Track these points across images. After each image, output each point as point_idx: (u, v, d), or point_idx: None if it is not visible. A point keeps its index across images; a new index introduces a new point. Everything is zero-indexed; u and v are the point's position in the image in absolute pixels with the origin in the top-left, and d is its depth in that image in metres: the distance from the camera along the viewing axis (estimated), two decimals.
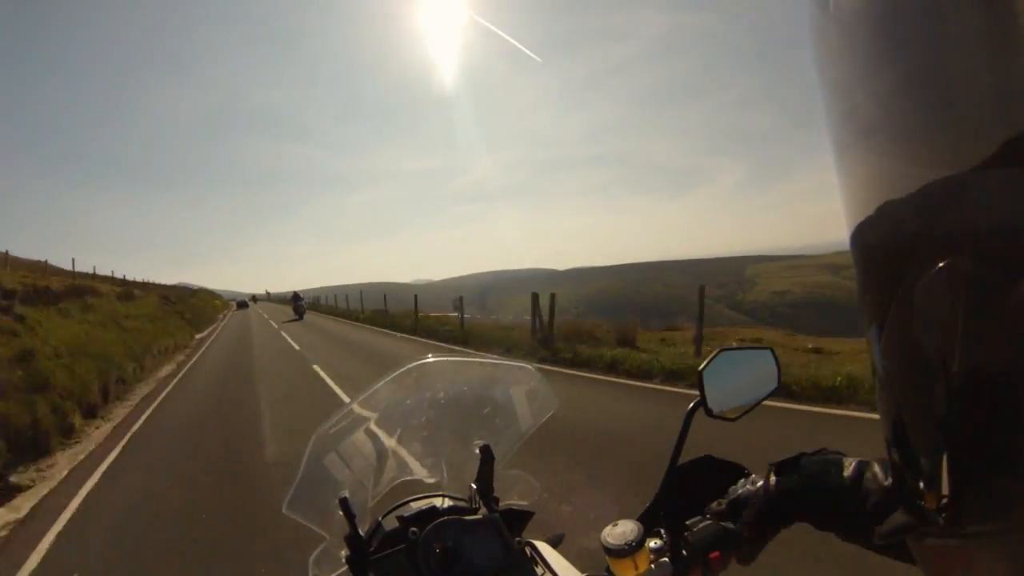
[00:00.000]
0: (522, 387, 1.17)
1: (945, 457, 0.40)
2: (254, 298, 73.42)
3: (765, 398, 0.97)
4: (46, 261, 30.51)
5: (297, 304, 38.31)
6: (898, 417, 0.43)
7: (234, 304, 70.73)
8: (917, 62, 0.38)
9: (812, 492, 0.76)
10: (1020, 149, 0.33)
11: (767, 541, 0.81)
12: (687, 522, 0.83)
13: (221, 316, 45.97)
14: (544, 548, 1.06)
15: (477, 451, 1.07)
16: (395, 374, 1.11)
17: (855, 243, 0.43)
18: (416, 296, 24.88)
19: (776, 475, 0.80)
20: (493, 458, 1.07)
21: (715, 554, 0.80)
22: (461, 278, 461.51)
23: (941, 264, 0.38)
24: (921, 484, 0.42)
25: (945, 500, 0.40)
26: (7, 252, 24.14)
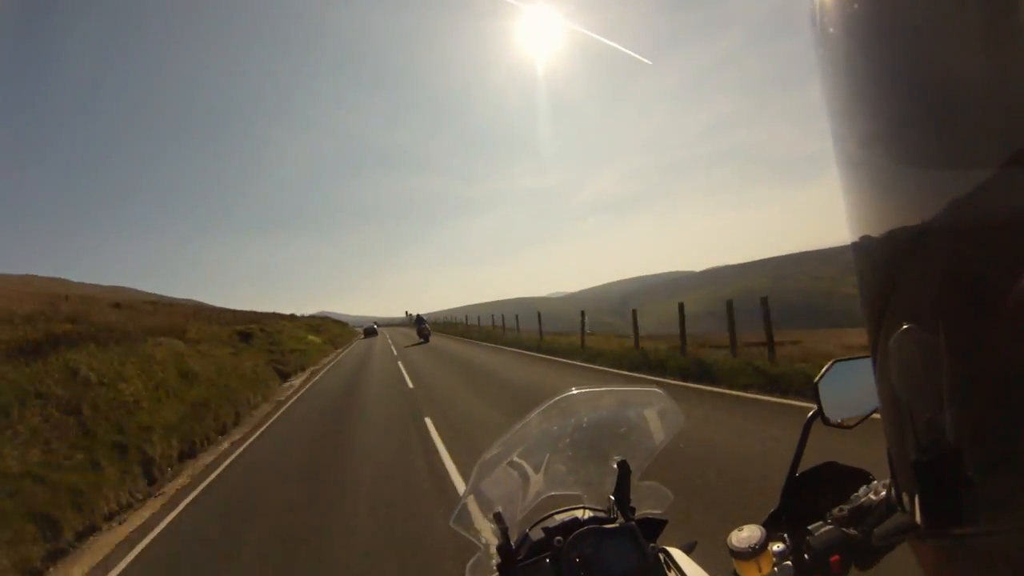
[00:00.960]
0: (653, 408, 1.23)
1: (944, 458, 0.40)
2: (376, 325, 74.87)
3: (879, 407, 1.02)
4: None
5: (420, 327, 36.88)
6: (896, 419, 0.45)
7: (361, 331, 66.44)
8: (912, 67, 0.38)
9: None
10: (1019, 151, 0.33)
11: (889, 549, 0.78)
12: (809, 527, 0.84)
13: (335, 351, 37.06)
14: (677, 554, 1.10)
15: (615, 466, 1.14)
16: (544, 407, 1.17)
17: (856, 253, 0.45)
18: (539, 313, 22.96)
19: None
20: (629, 471, 1.13)
21: (835, 558, 0.80)
22: (597, 288, 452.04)
23: (905, 327, 0.40)
24: (921, 485, 0.43)
25: (944, 501, 0.41)
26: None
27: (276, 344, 25.27)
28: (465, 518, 1.15)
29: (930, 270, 0.39)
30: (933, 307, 0.39)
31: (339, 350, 36.72)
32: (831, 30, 0.43)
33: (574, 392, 1.19)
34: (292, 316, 54.80)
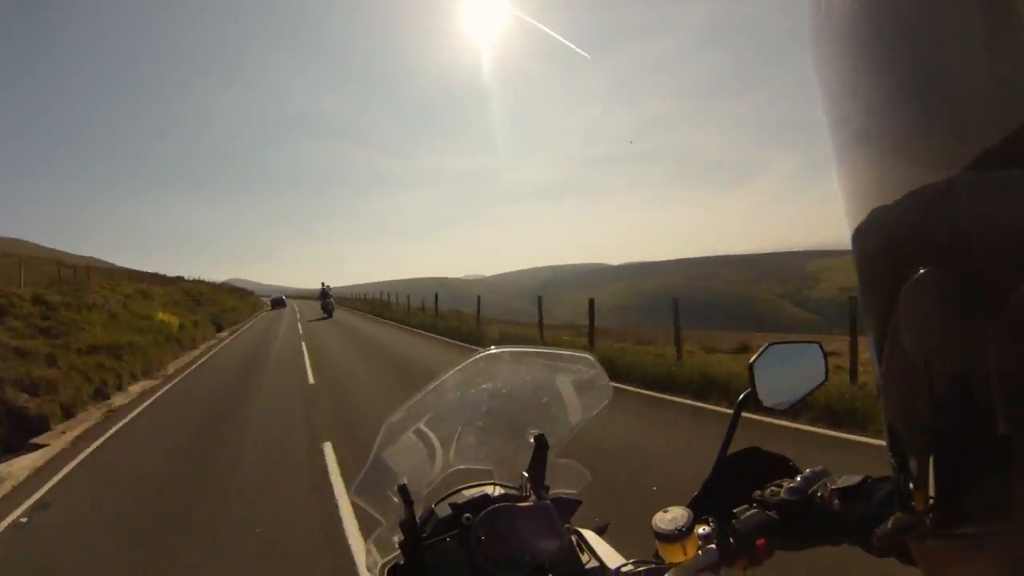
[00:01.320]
0: (581, 376, 1.18)
1: (943, 459, 0.40)
2: (284, 296, 67.95)
3: (813, 391, 1.01)
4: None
5: (325, 302, 35.29)
6: (896, 421, 0.45)
7: (267, 303, 58.05)
8: (911, 64, 0.39)
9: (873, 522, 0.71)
10: (1016, 150, 0.33)
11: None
12: (734, 510, 0.85)
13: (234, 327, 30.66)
14: (590, 536, 1.10)
15: (531, 440, 1.11)
16: (463, 364, 1.14)
17: (855, 246, 0.45)
18: (478, 298, 22.07)
19: (840, 500, 0.78)
20: (547, 447, 1.10)
21: (761, 541, 0.81)
22: (515, 273, 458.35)
23: (921, 271, 0.39)
24: (921, 485, 0.43)
25: (944, 501, 0.41)
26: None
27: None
28: (368, 489, 1.10)
29: (911, 278, 0.39)
30: (915, 315, 0.40)
31: (206, 345, 21.45)
32: (827, 32, 0.43)
33: (495, 350, 1.15)
34: (177, 279, 45.24)
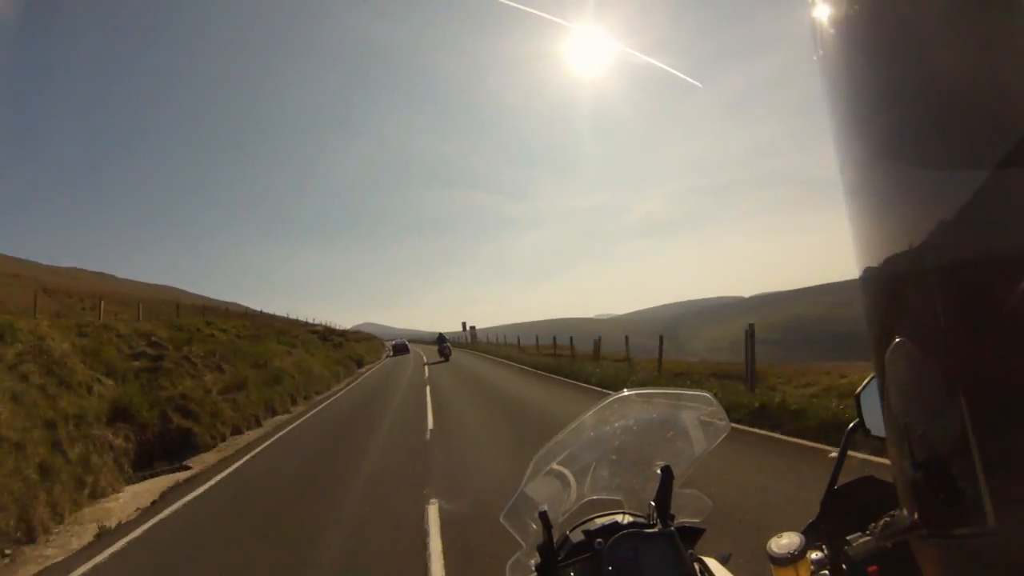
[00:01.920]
0: (700, 412, 1.23)
1: (944, 459, 0.41)
2: (407, 341, 67.04)
3: None
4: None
5: (442, 346, 36.23)
6: (897, 422, 0.46)
7: (390, 347, 54.44)
8: (910, 79, 0.38)
9: None
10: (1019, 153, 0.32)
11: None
12: (848, 537, 0.83)
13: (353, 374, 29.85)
14: (713, 564, 1.11)
15: (658, 471, 1.13)
16: (598, 407, 1.21)
17: (861, 275, 0.45)
18: (626, 338, 20.30)
19: None
20: (672, 477, 1.13)
21: (873, 568, 0.79)
22: (645, 311, 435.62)
23: (896, 340, 0.41)
24: (922, 486, 0.44)
25: (945, 501, 0.41)
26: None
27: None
28: (514, 514, 1.17)
29: (930, 287, 0.39)
30: (933, 320, 0.40)
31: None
32: (827, 49, 0.46)
33: (627, 393, 1.23)
34: (304, 324, 46.96)
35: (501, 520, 1.18)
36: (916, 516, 0.45)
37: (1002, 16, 0.34)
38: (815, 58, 0.47)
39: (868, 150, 0.44)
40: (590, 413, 1.22)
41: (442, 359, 33.51)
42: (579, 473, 1.23)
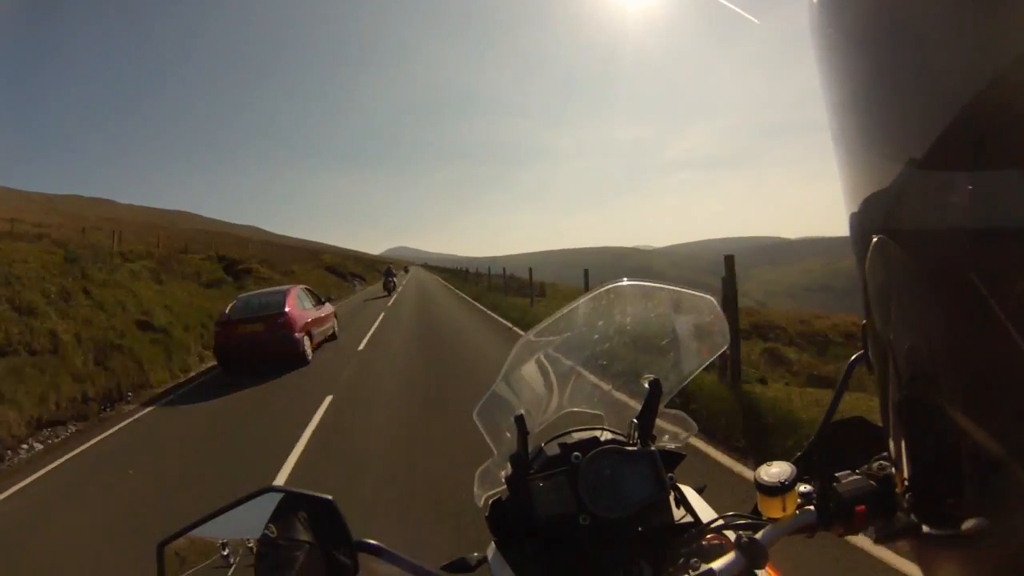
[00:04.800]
0: (701, 319, 1.18)
1: (941, 461, 0.41)
2: (404, 269, 68.09)
3: None
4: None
5: (387, 280, 34.07)
6: (894, 417, 0.46)
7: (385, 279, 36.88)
8: (907, 62, 0.40)
9: None
10: (1009, 148, 0.33)
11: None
12: (837, 474, 0.82)
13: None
14: (689, 492, 1.11)
15: (646, 384, 1.11)
16: (592, 294, 1.16)
17: (852, 233, 0.47)
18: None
19: None
20: (660, 393, 1.10)
21: (861, 508, 0.78)
22: (686, 245, 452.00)
23: (875, 239, 0.41)
24: (921, 485, 0.45)
25: (945, 501, 0.42)
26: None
27: None
28: (489, 412, 1.13)
29: (924, 266, 0.40)
30: (875, 287, 0.43)
31: None
32: (828, 32, 0.47)
33: (625, 283, 1.17)
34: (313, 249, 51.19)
35: (474, 418, 1.13)
36: (916, 516, 0.48)
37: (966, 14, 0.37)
38: (813, 43, 0.50)
39: (861, 141, 0.46)
40: (583, 300, 1.17)
41: (385, 293, 31.99)
42: (561, 378, 1.20)
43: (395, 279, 35.15)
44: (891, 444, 0.49)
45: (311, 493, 1.00)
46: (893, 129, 0.42)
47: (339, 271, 47.75)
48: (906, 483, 0.46)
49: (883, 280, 0.45)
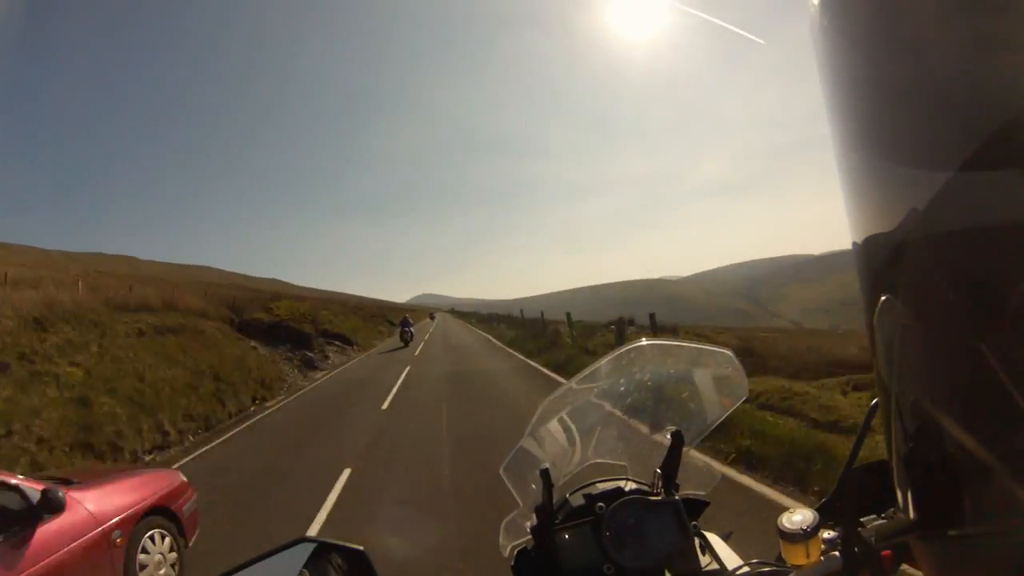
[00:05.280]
0: (720, 372, 1.21)
1: (942, 459, 0.41)
2: (431, 316, 67.28)
3: None
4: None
5: (403, 330, 31.07)
6: (895, 420, 0.46)
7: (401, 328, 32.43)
8: (906, 66, 0.40)
9: None
10: (1007, 149, 0.33)
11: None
12: (862, 519, 0.82)
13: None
14: (714, 539, 1.13)
15: (668, 436, 1.14)
16: (614, 354, 1.20)
17: (856, 251, 0.47)
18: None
19: None
20: (682, 444, 1.14)
21: (887, 553, 0.77)
22: (712, 272, 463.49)
23: (883, 299, 0.41)
24: (921, 486, 0.45)
25: (944, 502, 0.42)
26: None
27: None
28: (514, 467, 1.18)
29: (920, 270, 0.41)
30: (884, 340, 0.43)
31: None
32: (826, 35, 0.47)
33: (644, 343, 1.21)
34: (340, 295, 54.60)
35: (501, 473, 1.17)
36: (911, 508, 0.48)
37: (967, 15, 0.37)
38: (813, 45, 0.50)
39: (848, 140, 0.47)
40: (605, 360, 1.20)
41: (402, 344, 29.07)
42: (585, 432, 1.24)
43: (413, 329, 31.71)
44: (899, 497, 0.49)
45: (344, 544, 1.03)
46: (893, 134, 0.43)
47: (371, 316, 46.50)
48: (925, 501, 0.46)
49: (889, 337, 0.45)
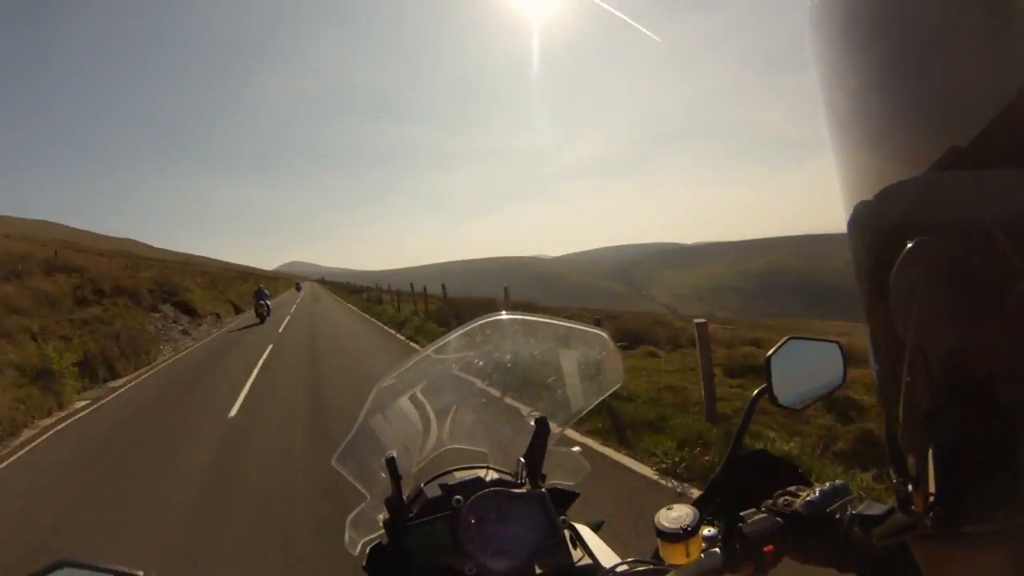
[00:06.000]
0: (590, 354, 1.17)
1: (943, 457, 0.41)
2: (297, 285, 61.33)
3: (830, 393, 0.99)
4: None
5: (258, 303, 26.47)
6: (894, 418, 0.46)
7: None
8: (901, 60, 0.40)
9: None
10: (1002, 145, 0.34)
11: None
12: (742, 513, 0.82)
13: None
14: (585, 531, 1.09)
15: (532, 423, 1.09)
16: (467, 327, 1.12)
17: (850, 236, 0.47)
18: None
19: (860, 528, 0.74)
20: (548, 431, 1.09)
21: (769, 548, 0.78)
22: (585, 253, 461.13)
23: (910, 244, 0.40)
24: (921, 485, 0.45)
25: (944, 500, 0.43)
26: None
27: None
28: (352, 457, 1.09)
29: (916, 265, 0.41)
30: (904, 293, 0.42)
31: None
32: (827, 27, 0.48)
33: (504, 316, 1.14)
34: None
35: (333, 464, 1.08)
36: (916, 516, 0.47)
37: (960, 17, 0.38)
38: (811, 38, 0.50)
39: (845, 135, 0.48)
40: (455, 335, 1.12)
41: (258, 321, 25.17)
42: (439, 413, 1.16)
43: (269, 302, 27.01)
44: (910, 459, 0.47)
45: (116, 568, 0.81)
46: (894, 129, 0.44)
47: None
48: (931, 499, 0.45)
49: (919, 285, 0.42)
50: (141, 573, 0.82)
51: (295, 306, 33.62)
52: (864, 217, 0.46)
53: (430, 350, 1.12)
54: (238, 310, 31.96)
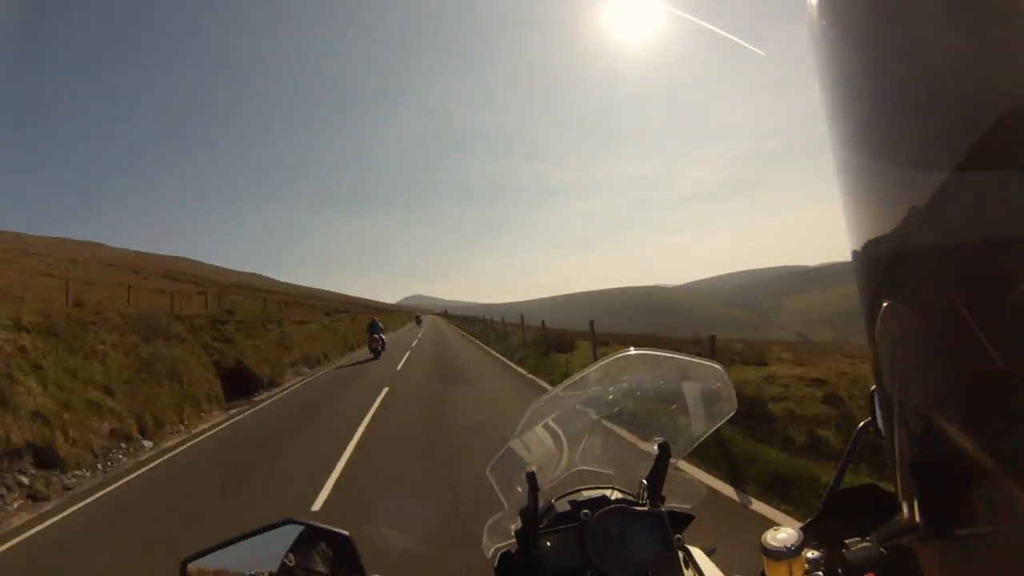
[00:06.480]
0: (709, 386, 1.22)
1: (947, 461, 0.41)
2: (418, 319, 63.66)
3: None
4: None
5: (372, 337, 24.55)
6: (899, 426, 0.47)
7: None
8: (902, 68, 0.40)
9: None
10: (1006, 149, 0.33)
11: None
12: (847, 540, 0.81)
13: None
14: (698, 554, 1.13)
15: (655, 447, 1.16)
16: (603, 362, 1.22)
17: (855, 257, 0.47)
18: None
19: None
20: (669, 456, 1.15)
21: (870, 575, 0.77)
22: (706, 280, 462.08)
23: (884, 304, 0.42)
24: (922, 487, 0.45)
25: (944, 503, 0.43)
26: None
27: None
28: (501, 468, 1.20)
29: (921, 273, 0.41)
30: (886, 344, 0.43)
31: None
32: (825, 37, 0.48)
33: (632, 352, 1.22)
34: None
35: (487, 473, 1.19)
36: (916, 516, 0.48)
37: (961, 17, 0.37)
38: (813, 47, 0.50)
39: (846, 142, 0.47)
40: (592, 368, 1.23)
41: (372, 356, 23.54)
42: (572, 438, 1.25)
43: (384, 336, 25.01)
44: (905, 508, 0.49)
45: (330, 528, 1.03)
46: (892, 136, 0.43)
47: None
48: (931, 500, 0.46)
49: (892, 342, 0.45)
50: (347, 533, 1.03)
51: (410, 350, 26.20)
52: (863, 235, 0.46)
53: (572, 380, 1.23)
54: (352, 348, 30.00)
